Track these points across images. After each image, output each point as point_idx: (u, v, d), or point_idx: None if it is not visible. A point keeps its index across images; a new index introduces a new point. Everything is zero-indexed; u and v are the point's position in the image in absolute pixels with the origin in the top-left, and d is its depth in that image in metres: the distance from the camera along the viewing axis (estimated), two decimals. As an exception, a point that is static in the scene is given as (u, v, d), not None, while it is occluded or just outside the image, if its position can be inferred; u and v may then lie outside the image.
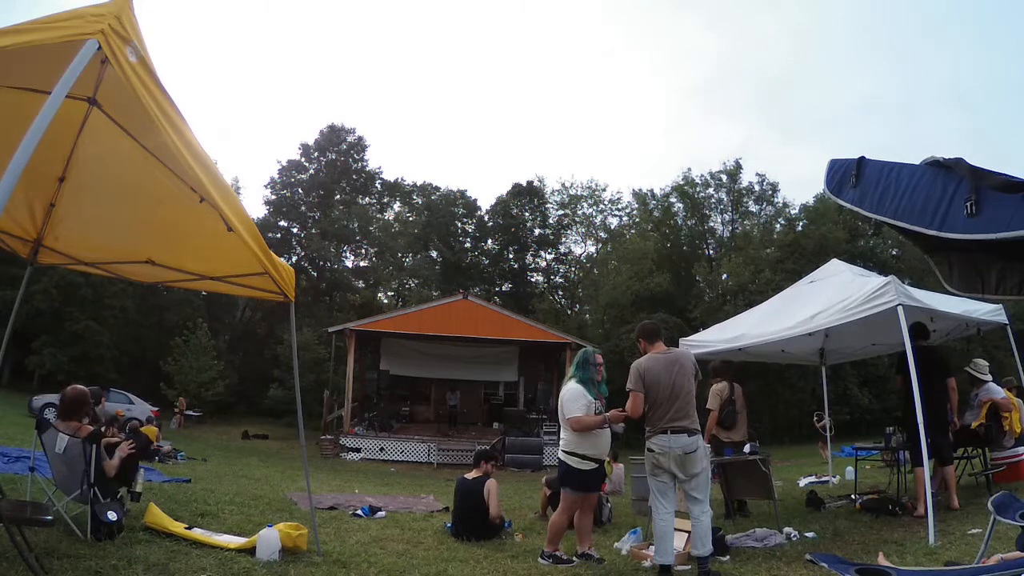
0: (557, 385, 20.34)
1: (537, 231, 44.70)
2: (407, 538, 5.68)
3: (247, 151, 78.20)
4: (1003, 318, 7.00)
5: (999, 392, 7.19)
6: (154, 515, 4.76)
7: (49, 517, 3.64)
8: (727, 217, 41.38)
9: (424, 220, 44.58)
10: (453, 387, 24.34)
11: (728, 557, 4.93)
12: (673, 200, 41.36)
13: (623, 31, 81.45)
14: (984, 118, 72.63)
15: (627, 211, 44.52)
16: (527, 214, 44.74)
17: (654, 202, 42.03)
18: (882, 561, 4.02)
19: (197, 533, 4.67)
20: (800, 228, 37.76)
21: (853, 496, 7.46)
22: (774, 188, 40.63)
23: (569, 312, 43.01)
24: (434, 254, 43.80)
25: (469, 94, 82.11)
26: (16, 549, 3.19)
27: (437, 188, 47.44)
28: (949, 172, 2.17)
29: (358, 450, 19.44)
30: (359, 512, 6.98)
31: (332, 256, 40.22)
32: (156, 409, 21.18)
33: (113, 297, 28.95)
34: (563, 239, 45.80)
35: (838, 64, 79.99)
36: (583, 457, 4.77)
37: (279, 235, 39.60)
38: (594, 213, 45.60)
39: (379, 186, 45.77)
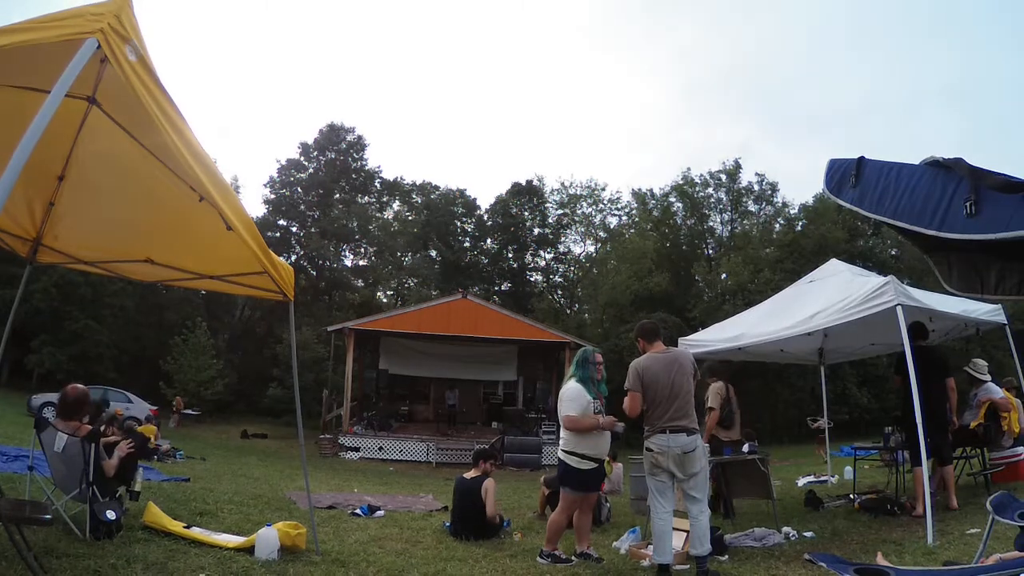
0: (556, 384, 20.35)
1: (536, 230, 44.70)
2: (406, 537, 5.68)
3: (246, 150, 78.26)
4: (1002, 318, 7.00)
5: (998, 392, 7.19)
6: (153, 514, 4.76)
7: (48, 516, 3.64)
8: (726, 217, 41.42)
9: (423, 219, 44.55)
10: (452, 386, 24.34)
11: (727, 556, 4.94)
12: (672, 200, 41.38)
13: (623, 30, 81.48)
14: (984, 118, 72.74)
15: (626, 210, 44.56)
16: (526, 213, 44.74)
17: (653, 202, 42.04)
18: (881, 561, 4.02)
19: (196, 532, 4.66)
20: (799, 228, 37.79)
21: (852, 496, 7.47)
22: (773, 188, 40.70)
23: (568, 311, 43.00)
24: (433, 253, 43.78)
25: (468, 93, 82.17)
26: (15, 548, 3.19)
27: (436, 187, 47.48)
28: (949, 172, 2.17)
29: (357, 449, 19.44)
30: (358, 511, 6.98)
31: (331, 255, 40.22)
32: (155, 408, 21.19)
33: (112, 296, 28.94)
34: (562, 238, 45.84)
35: (838, 64, 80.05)
36: (583, 457, 4.77)
37: (278, 234, 39.59)
38: (593, 212, 45.63)
39: (378, 185, 45.79)
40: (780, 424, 29.28)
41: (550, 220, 45.26)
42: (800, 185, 76.84)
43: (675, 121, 78.13)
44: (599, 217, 45.63)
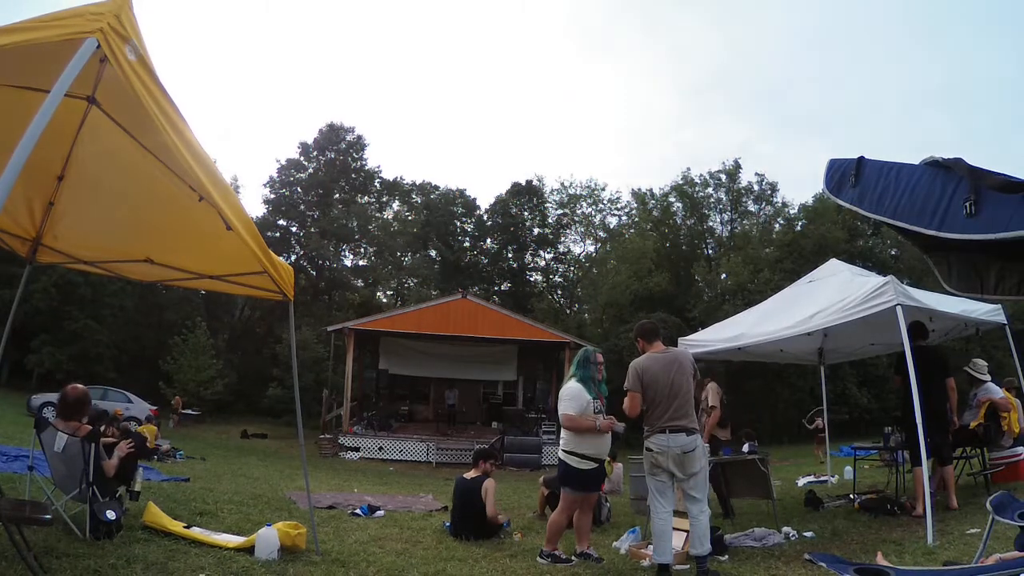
0: (556, 384, 20.37)
1: (536, 230, 44.73)
2: (406, 537, 5.68)
3: (246, 150, 78.29)
4: (1002, 318, 7.00)
5: (998, 392, 7.19)
6: (153, 514, 4.76)
7: (48, 516, 3.64)
8: (726, 217, 41.47)
9: (423, 219, 44.57)
10: (452, 386, 24.35)
11: (727, 556, 4.94)
12: (672, 199, 41.42)
13: (623, 30, 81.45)
14: (983, 118, 72.75)
15: (626, 210, 44.59)
16: (526, 213, 44.76)
17: (653, 201, 42.05)
18: (880, 561, 4.02)
19: (196, 532, 4.66)
20: (799, 228, 37.82)
21: (852, 496, 7.47)
22: (773, 188, 40.77)
23: (568, 311, 43.00)
24: (433, 253, 43.80)
25: (468, 93, 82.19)
26: (15, 548, 3.19)
27: (436, 187, 47.51)
28: (948, 172, 2.17)
29: (357, 449, 19.44)
30: (358, 511, 6.97)
31: (331, 255, 40.24)
32: (155, 408, 21.19)
33: (112, 296, 28.96)
34: (562, 238, 45.87)
35: (838, 64, 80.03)
36: (583, 457, 4.77)
37: (278, 234, 39.61)
38: (593, 212, 45.66)
39: (378, 185, 45.81)
40: (780, 424, 29.31)
41: (550, 220, 45.29)
42: (800, 185, 77.00)
43: (675, 121, 78.21)
44: (599, 217, 45.74)
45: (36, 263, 5.07)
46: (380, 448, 19.54)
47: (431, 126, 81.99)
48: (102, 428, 6.14)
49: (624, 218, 44.69)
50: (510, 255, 44.45)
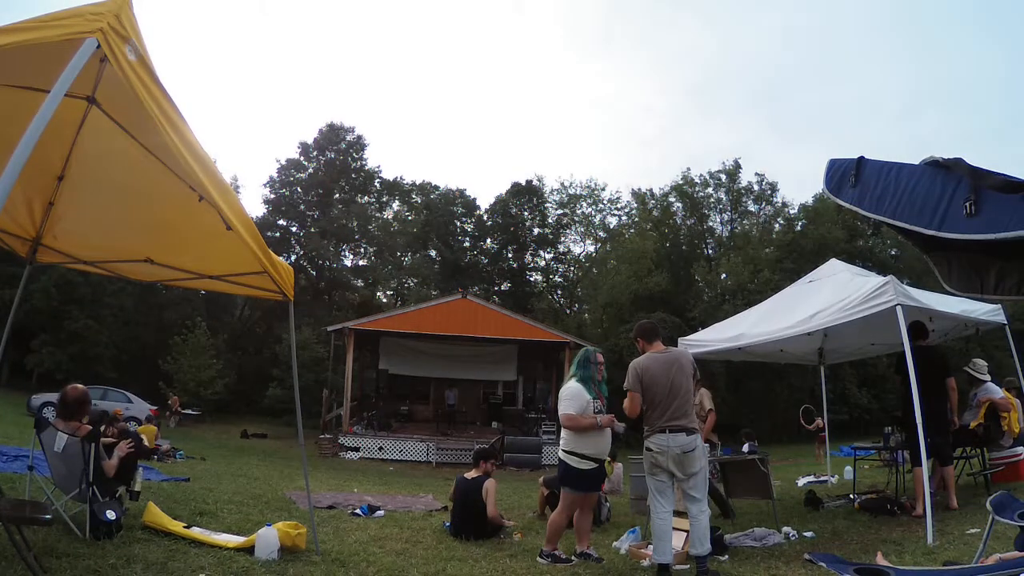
0: (556, 384, 20.37)
1: (536, 230, 44.71)
2: (406, 537, 5.68)
3: (246, 150, 78.29)
4: (1002, 318, 6.99)
5: (998, 392, 7.18)
6: (153, 514, 4.76)
7: (48, 516, 3.63)
8: (726, 217, 41.47)
9: (423, 219, 44.56)
10: (452, 386, 24.34)
11: (726, 556, 4.94)
12: (672, 199, 41.41)
13: (623, 30, 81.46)
14: (984, 118, 72.73)
15: (626, 210, 44.57)
16: (526, 213, 44.75)
17: (653, 201, 42.04)
18: (880, 561, 4.02)
19: (196, 532, 4.66)
20: (799, 228, 37.83)
21: (852, 496, 7.47)
22: (773, 188, 40.75)
23: (568, 311, 43.01)
24: (433, 253, 43.80)
25: (468, 93, 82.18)
26: (15, 548, 3.19)
27: (436, 187, 47.50)
28: (948, 172, 2.17)
29: (357, 449, 19.44)
30: (358, 511, 6.97)
31: (331, 255, 40.21)
32: (155, 408, 21.19)
33: (112, 296, 28.96)
34: (562, 238, 45.87)
35: (838, 64, 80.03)
36: (583, 457, 4.77)
37: (278, 234, 39.58)
38: (593, 212, 45.64)
39: (378, 185, 45.78)
40: (780, 424, 29.29)
41: (550, 220, 45.28)
42: (800, 185, 77.00)
43: (675, 121, 78.22)
44: (599, 217, 45.73)
45: (36, 263, 5.06)
46: (380, 448, 19.54)
47: (431, 126, 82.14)
48: (102, 428, 6.13)
49: (624, 218, 44.76)
50: (510, 255, 44.44)
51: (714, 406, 7.38)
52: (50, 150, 3.83)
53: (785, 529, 5.67)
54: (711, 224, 41.58)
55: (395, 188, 47.01)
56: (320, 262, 40.63)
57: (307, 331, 30.69)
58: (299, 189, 41.64)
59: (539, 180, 45.34)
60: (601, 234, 45.37)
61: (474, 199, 46.12)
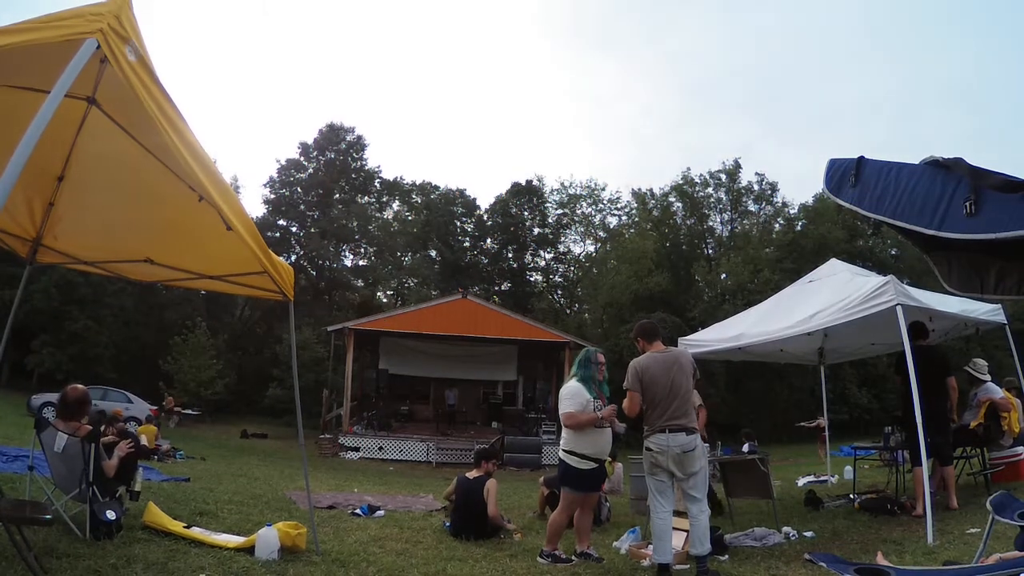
0: (556, 384, 20.37)
1: (536, 230, 44.71)
2: (406, 537, 5.68)
3: (246, 150, 78.28)
4: (1002, 318, 6.99)
5: (998, 392, 7.18)
6: (153, 514, 4.76)
7: (48, 516, 3.64)
8: (726, 216, 41.45)
9: (423, 219, 44.58)
10: (452, 386, 24.34)
11: (727, 556, 4.94)
12: (672, 199, 41.40)
13: (623, 30, 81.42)
14: (984, 118, 72.73)
15: (626, 210, 44.57)
16: (526, 213, 44.74)
17: (653, 201, 42.04)
18: (881, 560, 4.01)
19: (196, 532, 4.66)
20: (799, 228, 37.84)
21: (852, 495, 7.47)
22: (773, 188, 40.74)
23: (568, 311, 43.02)
24: (433, 253, 43.80)
25: (468, 93, 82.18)
26: (15, 548, 3.19)
27: (436, 187, 47.51)
28: (948, 172, 2.17)
29: (357, 449, 19.44)
30: (358, 511, 6.97)
31: (331, 255, 40.22)
32: (155, 408, 21.19)
33: (112, 296, 28.94)
34: (562, 238, 45.85)
35: (838, 64, 80.00)
36: (583, 456, 4.77)
37: (278, 234, 39.58)
38: (593, 212, 45.64)
39: (378, 185, 45.79)
40: (780, 424, 29.29)
41: (550, 220, 45.28)
42: (800, 185, 76.98)
43: (675, 121, 78.17)
44: (599, 217, 45.73)
45: (36, 263, 5.07)
46: (380, 448, 19.54)
47: (431, 126, 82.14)
48: (102, 428, 6.14)
49: (624, 218, 44.77)
50: (510, 255, 44.44)
51: (702, 402, 7.37)
52: (50, 150, 3.83)
53: (785, 529, 5.67)
54: (711, 224, 41.63)
55: (395, 188, 47.02)
56: (320, 262, 40.63)
57: (307, 331, 30.68)
58: (299, 189, 41.65)
59: (539, 180, 45.41)
60: (601, 234, 45.42)
61: (474, 199, 46.23)
